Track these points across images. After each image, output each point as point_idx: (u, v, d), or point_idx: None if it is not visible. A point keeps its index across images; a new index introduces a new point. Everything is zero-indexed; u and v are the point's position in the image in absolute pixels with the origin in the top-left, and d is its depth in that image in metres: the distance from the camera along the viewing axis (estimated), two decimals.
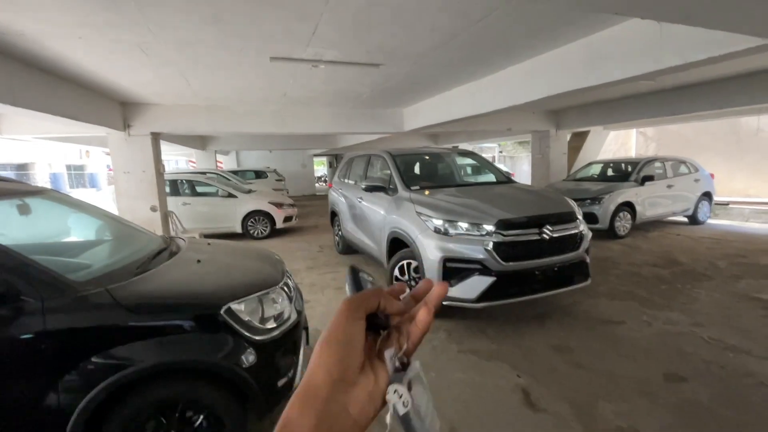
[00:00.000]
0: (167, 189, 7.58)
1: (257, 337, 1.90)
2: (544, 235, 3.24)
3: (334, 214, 6.36)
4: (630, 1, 1.89)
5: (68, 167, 21.58)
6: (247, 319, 1.89)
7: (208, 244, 2.70)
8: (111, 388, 1.54)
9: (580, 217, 3.58)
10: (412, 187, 4.15)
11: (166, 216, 6.73)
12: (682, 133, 11.90)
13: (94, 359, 1.54)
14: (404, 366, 0.35)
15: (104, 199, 7.98)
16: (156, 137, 6.49)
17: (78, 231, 2.55)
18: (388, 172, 4.53)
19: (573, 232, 3.43)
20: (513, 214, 3.30)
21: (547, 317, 3.60)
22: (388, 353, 0.36)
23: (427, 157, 5.25)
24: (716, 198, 8.46)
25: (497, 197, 3.82)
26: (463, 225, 3.27)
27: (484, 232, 3.20)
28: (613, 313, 3.66)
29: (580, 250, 3.46)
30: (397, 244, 3.91)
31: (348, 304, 0.35)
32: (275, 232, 8.31)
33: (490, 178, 4.92)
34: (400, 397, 0.33)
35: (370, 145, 11.94)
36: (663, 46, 2.92)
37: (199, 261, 2.22)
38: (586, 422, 2.18)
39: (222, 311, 1.79)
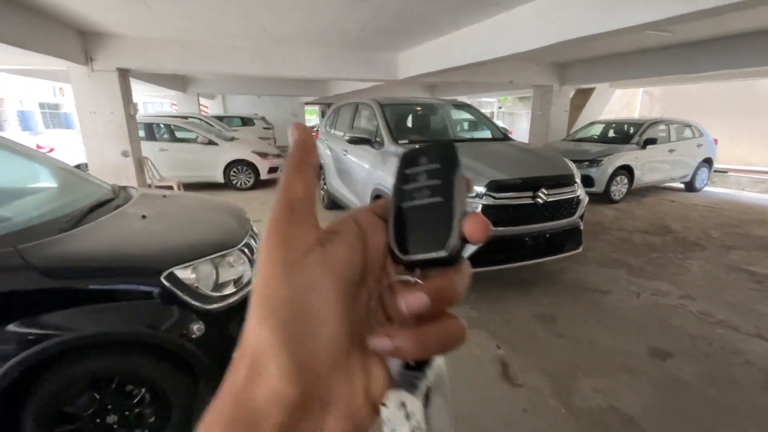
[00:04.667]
0: (142, 133, 7.09)
1: (209, 306, 1.68)
2: (539, 200, 2.99)
3: (319, 167, 6.01)
4: None
5: (42, 105, 20.14)
6: (195, 285, 1.66)
7: (164, 196, 2.40)
8: (25, 364, 1.32)
9: (578, 180, 3.32)
10: (401, 141, 3.80)
11: (140, 162, 6.32)
12: (688, 93, 11.36)
13: None
14: (419, 364, 0.20)
15: (76, 140, 7.44)
16: (124, 74, 5.89)
17: (7, 177, 2.23)
18: (376, 123, 4.15)
19: (569, 196, 3.18)
20: (506, 175, 3.02)
21: (532, 284, 3.46)
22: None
23: (418, 108, 4.84)
24: (716, 165, 8.22)
25: (491, 155, 3.51)
26: None
27: (473, 194, 2.94)
28: (600, 282, 3.53)
29: (574, 217, 3.24)
30: None
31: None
32: (260, 183, 7.96)
33: (486, 134, 4.56)
34: (407, 417, 0.18)
35: (364, 94, 11.23)
36: None
37: (144, 216, 1.93)
38: (564, 398, 2.08)
39: (162, 277, 1.55)
